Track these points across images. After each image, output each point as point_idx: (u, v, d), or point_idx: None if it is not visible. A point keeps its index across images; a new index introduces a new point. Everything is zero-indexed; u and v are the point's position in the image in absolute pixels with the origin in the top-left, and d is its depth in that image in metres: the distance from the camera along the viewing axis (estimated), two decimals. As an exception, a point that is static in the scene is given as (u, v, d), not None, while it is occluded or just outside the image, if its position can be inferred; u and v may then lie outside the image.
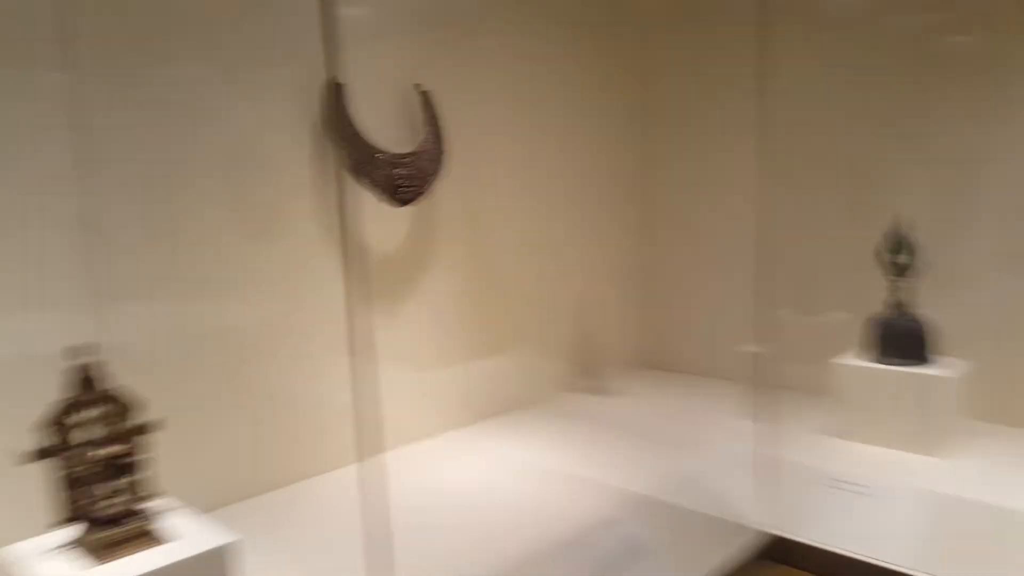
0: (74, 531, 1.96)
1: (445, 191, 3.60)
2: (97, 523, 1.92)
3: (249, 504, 2.99)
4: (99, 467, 1.93)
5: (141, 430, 2.00)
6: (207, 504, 2.60)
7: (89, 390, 1.95)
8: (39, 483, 1.95)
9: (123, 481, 1.95)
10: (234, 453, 3.00)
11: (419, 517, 2.86)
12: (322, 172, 3.20)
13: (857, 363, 3.46)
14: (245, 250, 3.01)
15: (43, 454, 1.92)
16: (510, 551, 2.62)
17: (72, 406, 1.94)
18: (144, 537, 1.95)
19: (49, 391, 1.91)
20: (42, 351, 2.35)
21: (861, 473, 3.06)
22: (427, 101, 3.47)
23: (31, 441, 1.90)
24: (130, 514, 1.95)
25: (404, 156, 3.32)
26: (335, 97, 3.12)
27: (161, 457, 2.06)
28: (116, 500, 1.94)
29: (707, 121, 4.45)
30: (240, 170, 2.96)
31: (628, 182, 4.77)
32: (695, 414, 4.01)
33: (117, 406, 1.99)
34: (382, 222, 3.43)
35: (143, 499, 1.99)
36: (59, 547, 1.96)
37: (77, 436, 1.93)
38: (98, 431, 1.96)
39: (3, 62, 2.39)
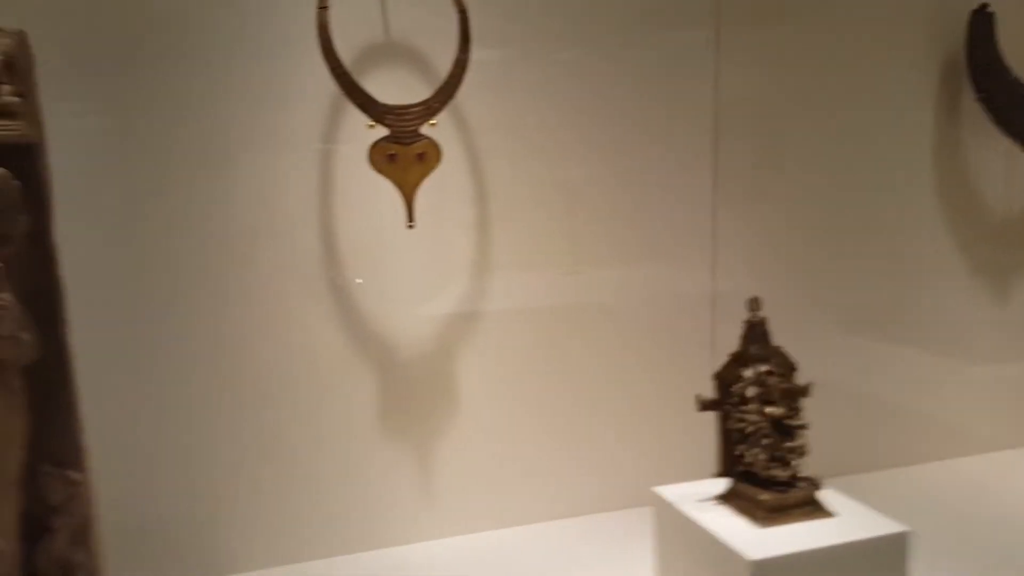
0: (729, 486, 1.93)
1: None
2: (759, 483, 1.86)
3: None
4: (765, 426, 1.85)
5: (803, 392, 1.87)
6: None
7: (760, 345, 1.89)
8: (702, 430, 1.98)
9: (788, 444, 1.85)
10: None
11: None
12: (951, 117, 2.74)
13: None
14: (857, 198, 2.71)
15: (712, 405, 1.93)
16: None
17: (742, 359, 1.91)
18: (810, 507, 1.83)
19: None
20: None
21: None
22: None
23: (703, 387, 1.92)
24: (794, 480, 1.85)
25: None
26: (978, 27, 2.63)
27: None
28: (782, 463, 1.85)
29: None
30: (859, 110, 2.66)
31: None
32: None
33: (782, 364, 1.89)
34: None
35: (803, 466, 1.87)
36: (712, 498, 1.95)
37: (745, 391, 1.89)
38: (757, 389, 1.90)
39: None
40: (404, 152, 1.98)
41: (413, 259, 2.25)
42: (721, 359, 1.94)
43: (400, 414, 2.32)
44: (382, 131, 1.99)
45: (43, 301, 1.48)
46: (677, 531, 1.93)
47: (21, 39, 1.40)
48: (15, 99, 1.36)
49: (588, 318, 2.46)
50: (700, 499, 1.95)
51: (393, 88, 2.05)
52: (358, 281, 2.22)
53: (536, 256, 2.38)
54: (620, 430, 2.52)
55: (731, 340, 1.94)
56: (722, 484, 1.95)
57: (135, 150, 2.00)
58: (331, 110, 2.12)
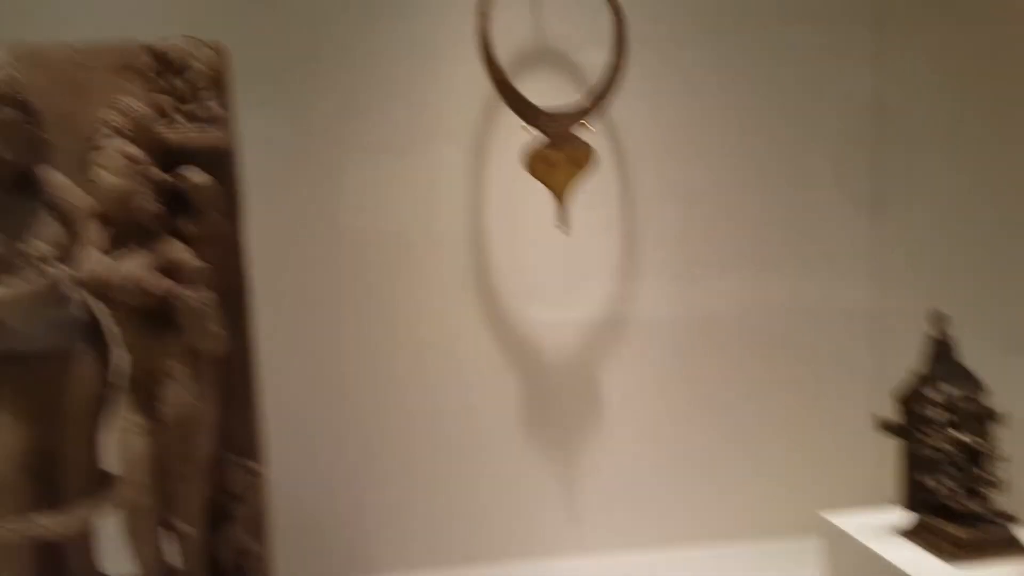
0: (912, 517, 1.78)
1: None
2: (948, 516, 1.70)
3: None
4: (956, 453, 1.69)
5: (997, 418, 1.71)
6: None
7: (946, 365, 1.74)
8: (864, 453, 1.85)
9: (982, 474, 1.68)
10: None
11: None
12: None
13: None
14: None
15: (896, 429, 1.79)
16: None
17: (926, 380, 1.76)
18: (1009, 545, 1.66)
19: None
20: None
21: None
22: None
23: (887, 407, 1.79)
24: (989, 514, 1.68)
25: None
26: None
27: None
28: (972, 494, 1.68)
29: None
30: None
31: None
32: None
33: (971, 387, 1.73)
34: None
35: (998, 498, 1.70)
36: (893, 529, 1.80)
37: (930, 412, 1.75)
38: (947, 413, 1.74)
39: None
40: (558, 156, 1.98)
41: (561, 263, 2.24)
42: (884, 378, 1.80)
43: (545, 422, 2.31)
44: (537, 134, 2.00)
45: (233, 299, 1.56)
46: (856, 565, 1.79)
47: (222, 52, 1.49)
48: (218, 109, 1.45)
49: (739, 329, 2.37)
50: (877, 529, 1.81)
51: (543, 90, 2.06)
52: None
53: (685, 263, 2.32)
54: (775, 450, 2.40)
55: (894, 358, 1.80)
56: (901, 514, 1.80)
57: (305, 157, 2.10)
58: (485, 112, 2.16)
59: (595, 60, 2.07)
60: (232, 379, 1.59)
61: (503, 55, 2.02)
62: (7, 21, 1.63)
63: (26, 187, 1.46)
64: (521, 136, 2.00)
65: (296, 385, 2.11)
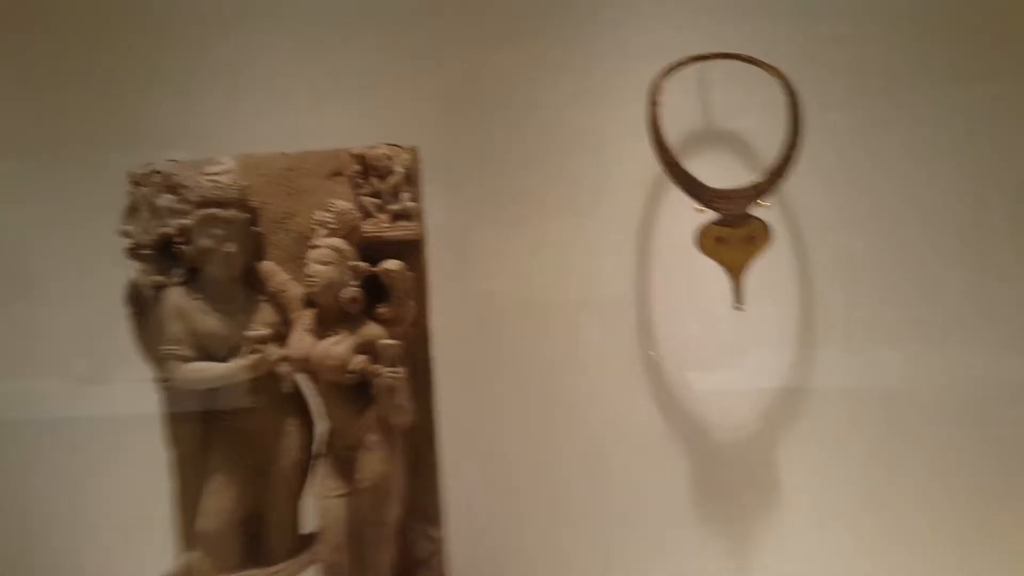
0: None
1: None
2: None
3: None
4: None
5: None
6: None
7: None
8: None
9: None
10: None
11: None
12: None
13: None
14: None
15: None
16: None
17: None
18: None
19: None
20: None
21: None
22: None
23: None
24: None
25: None
26: None
27: None
28: None
29: None
30: None
31: None
32: None
33: None
34: None
35: None
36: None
37: None
38: None
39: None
40: (733, 234, 2.01)
41: (734, 338, 2.25)
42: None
43: (714, 501, 2.29)
44: (710, 214, 2.03)
45: (419, 375, 1.70)
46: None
47: (415, 154, 1.67)
48: (412, 204, 1.62)
49: (926, 403, 2.26)
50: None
51: (713, 169, 2.09)
52: (651, 353, 2.27)
53: (864, 333, 2.26)
54: (975, 538, 2.24)
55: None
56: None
57: (482, 239, 2.26)
58: (654, 192, 2.23)
59: (766, 137, 2.09)
60: (417, 449, 1.72)
61: (670, 134, 2.06)
62: (233, 136, 1.89)
63: (248, 278, 1.68)
64: (689, 215, 2.04)
65: (469, 456, 2.22)
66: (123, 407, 2.04)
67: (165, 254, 1.65)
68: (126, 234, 1.64)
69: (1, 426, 2.31)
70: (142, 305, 1.64)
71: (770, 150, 2.03)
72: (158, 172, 1.65)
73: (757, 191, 2.01)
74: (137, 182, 1.66)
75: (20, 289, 2.33)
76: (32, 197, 2.27)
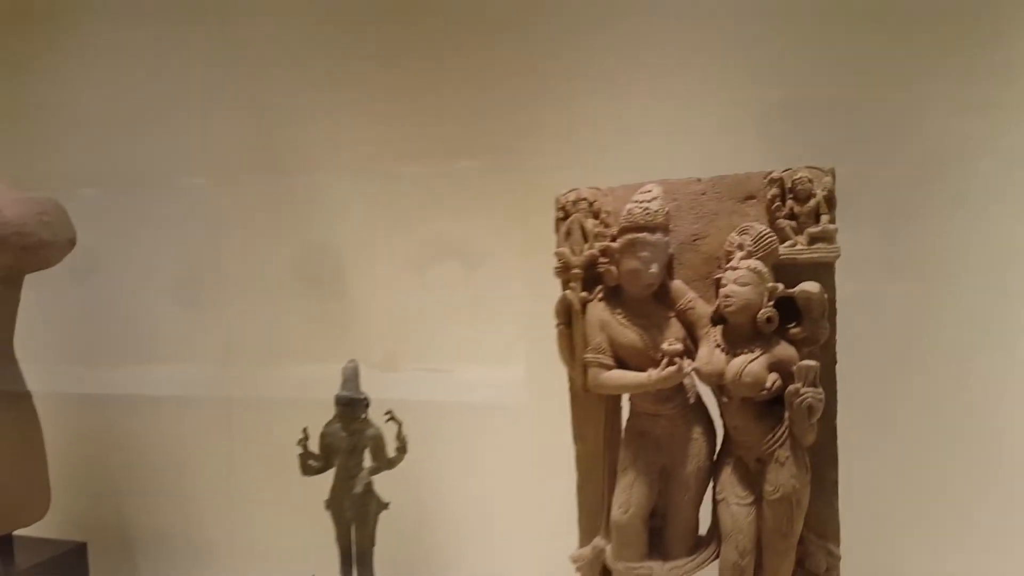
0: None
1: None
2: None
3: None
4: None
5: None
6: None
7: None
8: None
9: None
10: None
11: None
12: None
13: None
14: None
15: None
16: None
17: None
18: None
19: None
20: None
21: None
22: None
23: None
24: None
25: None
26: None
27: None
28: None
29: None
30: None
31: None
32: None
33: None
34: None
35: None
36: None
37: None
38: None
39: None
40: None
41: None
42: None
43: None
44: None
45: (825, 395, 1.73)
46: None
47: (833, 175, 1.69)
48: (831, 226, 1.65)
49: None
50: None
51: None
52: None
53: None
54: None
55: None
56: None
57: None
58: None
59: None
60: (819, 466, 1.75)
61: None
62: (635, 163, 2.03)
63: (658, 295, 1.81)
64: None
65: (865, 475, 2.21)
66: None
67: (588, 272, 1.83)
68: (559, 256, 1.84)
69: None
70: (570, 317, 1.84)
71: None
72: (584, 199, 1.83)
73: None
74: (564, 207, 1.86)
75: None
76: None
